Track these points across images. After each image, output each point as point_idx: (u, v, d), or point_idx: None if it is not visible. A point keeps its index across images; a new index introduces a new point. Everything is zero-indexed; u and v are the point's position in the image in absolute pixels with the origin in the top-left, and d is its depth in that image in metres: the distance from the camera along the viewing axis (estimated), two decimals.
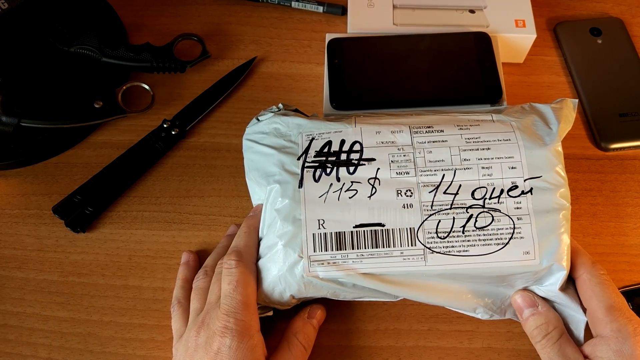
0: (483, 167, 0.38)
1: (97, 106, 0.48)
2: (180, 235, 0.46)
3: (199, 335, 0.36)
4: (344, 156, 0.38)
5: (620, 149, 0.49)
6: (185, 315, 0.40)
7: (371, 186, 0.37)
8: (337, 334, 0.42)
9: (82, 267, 0.45)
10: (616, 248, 0.45)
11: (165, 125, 0.50)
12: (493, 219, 0.36)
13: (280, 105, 0.43)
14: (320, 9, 0.56)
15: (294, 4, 0.57)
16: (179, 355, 0.37)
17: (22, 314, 0.43)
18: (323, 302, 0.41)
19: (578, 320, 0.37)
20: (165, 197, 0.48)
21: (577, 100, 0.42)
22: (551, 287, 0.37)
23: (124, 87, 0.51)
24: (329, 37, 0.50)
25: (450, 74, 0.47)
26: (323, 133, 0.40)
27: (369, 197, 0.37)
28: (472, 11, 0.51)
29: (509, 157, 0.38)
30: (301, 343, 0.38)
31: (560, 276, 0.36)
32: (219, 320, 0.35)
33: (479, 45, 0.48)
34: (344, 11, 0.56)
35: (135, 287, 0.44)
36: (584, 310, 0.36)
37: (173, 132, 0.49)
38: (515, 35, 0.50)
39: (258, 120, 0.43)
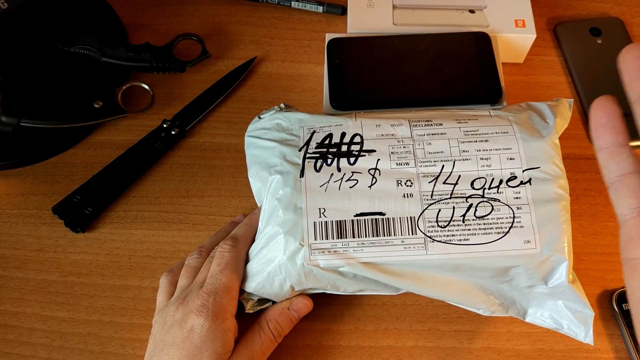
0: (482, 158, 0.38)
1: (97, 106, 0.48)
2: (180, 235, 0.46)
3: (177, 312, 0.36)
4: (344, 148, 0.39)
5: None
6: (172, 289, 0.40)
7: (371, 176, 0.38)
8: (338, 334, 0.42)
9: (82, 267, 0.45)
10: (616, 248, 0.45)
11: (165, 125, 0.50)
12: (493, 209, 0.37)
13: (282, 105, 0.43)
14: (320, 9, 0.56)
15: (294, 4, 0.57)
16: (156, 328, 0.37)
17: (21, 314, 0.43)
18: (318, 302, 0.41)
19: (586, 316, 0.36)
20: (165, 197, 0.47)
21: (572, 100, 0.43)
22: (558, 282, 0.36)
23: (124, 87, 0.51)
24: (328, 37, 0.50)
25: (450, 74, 0.47)
26: (324, 126, 0.40)
27: (370, 186, 0.38)
28: (472, 11, 0.51)
29: (507, 149, 0.38)
30: (272, 331, 0.38)
31: (564, 267, 0.36)
32: (198, 299, 0.36)
33: (479, 45, 0.48)
34: (343, 11, 0.56)
35: (135, 287, 0.44)
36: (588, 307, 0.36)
37: (173, 132, 0.49)
38: (515, 35, 0.50)
39: (260, 118, 0.43)
